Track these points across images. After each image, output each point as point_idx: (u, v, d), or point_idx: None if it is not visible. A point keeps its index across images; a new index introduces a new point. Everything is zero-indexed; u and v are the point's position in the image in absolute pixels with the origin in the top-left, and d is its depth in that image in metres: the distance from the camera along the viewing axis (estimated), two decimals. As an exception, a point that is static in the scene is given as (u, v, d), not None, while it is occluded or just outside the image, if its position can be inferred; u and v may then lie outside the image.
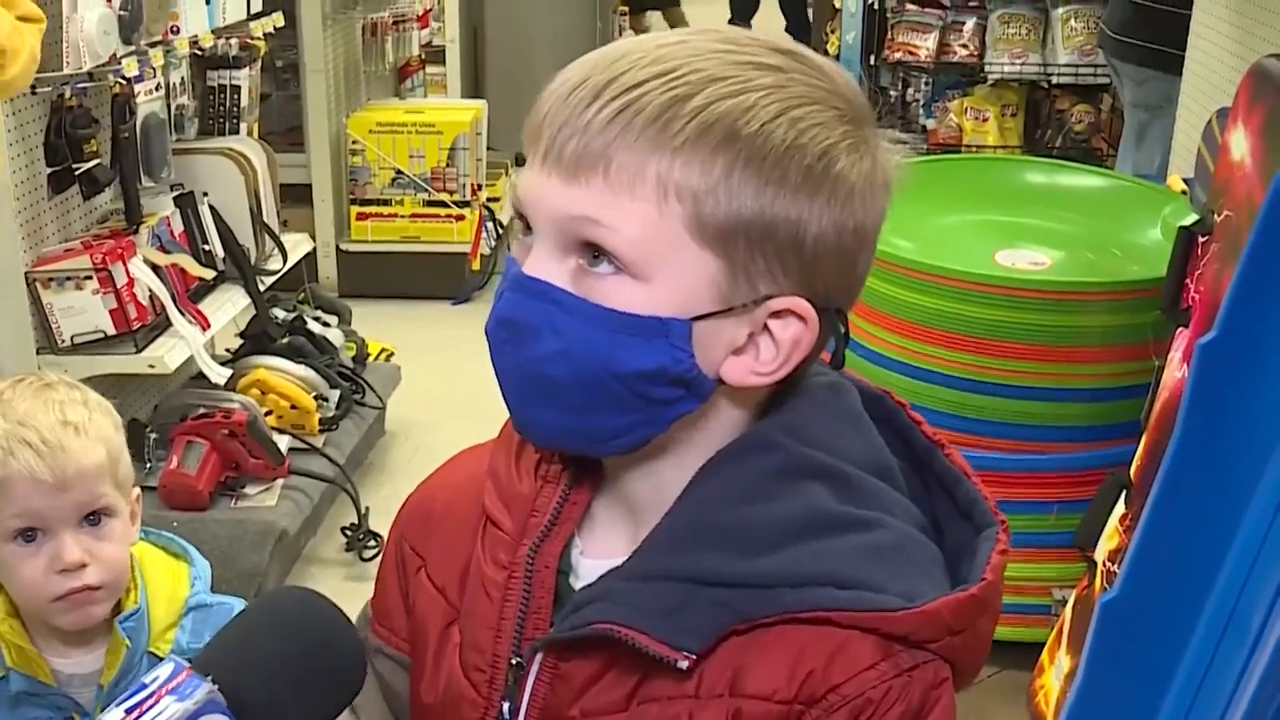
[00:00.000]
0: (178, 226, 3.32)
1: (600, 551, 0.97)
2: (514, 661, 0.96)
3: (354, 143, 5.13)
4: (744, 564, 0.90)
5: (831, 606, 0.89)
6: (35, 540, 1.44)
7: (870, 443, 0.97)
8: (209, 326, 3.26)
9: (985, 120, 5.49)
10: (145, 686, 0.94)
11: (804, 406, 0.95)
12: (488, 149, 5.56)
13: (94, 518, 1.46)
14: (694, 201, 0.85)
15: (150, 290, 3.06)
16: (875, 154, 0.91)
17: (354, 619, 1.11)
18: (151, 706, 0.92)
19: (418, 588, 1.06)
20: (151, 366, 3.02)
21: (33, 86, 2.82)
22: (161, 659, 1.46)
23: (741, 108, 0.85)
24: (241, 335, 3.79)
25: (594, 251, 0.87)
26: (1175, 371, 2.30)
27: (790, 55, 0.90)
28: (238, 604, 1.54)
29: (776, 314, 0.90)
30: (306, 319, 3.90)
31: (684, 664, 0.89)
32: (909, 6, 5.51)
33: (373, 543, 3.43)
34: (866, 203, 0.90)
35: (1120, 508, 2.42)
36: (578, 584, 0.97)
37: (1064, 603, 2.65)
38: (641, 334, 0.87)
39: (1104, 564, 2.42)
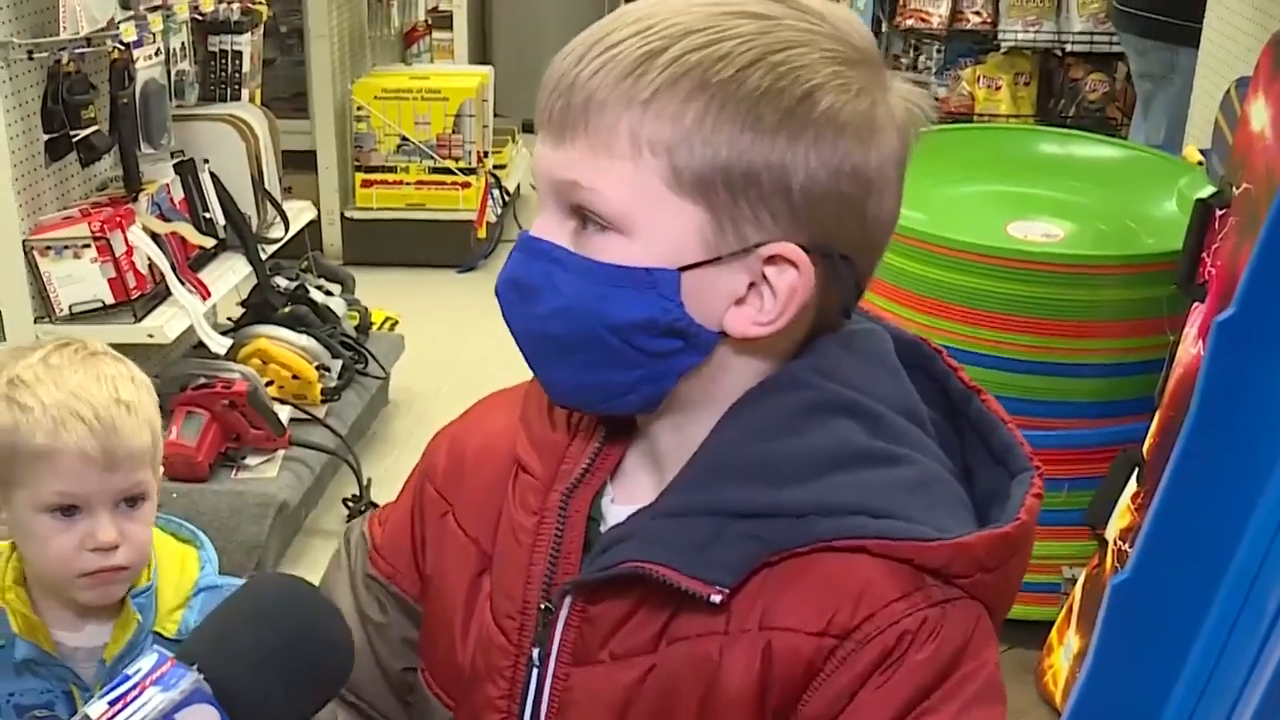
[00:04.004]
0: (178, 194, 3.28)
1: (629, 499, 0.97)
2: (543, 607, 0.96)
3: (359, 109, 5.09)
4: (774, 495, 0.90)
5: (866, 535, 0.88)
6: (72, 516, 1.42)
7: (900, 387, 0.96)
8: (209, 295, 3.23)
9: (998, 89, 5.44)
10: (128, 678, 0.92)
11: (834, 349, 0.94)
12: (494, 115, 5.52)
13: (131, 500, 1.45)
14: (667, 153, 0.86)
15: (149, 259, 3.03)
16: (876, 94, 0.89)
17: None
18: (136, 697, 0.91)
19: (442, 533, 1.06)
20: (150, 336, 2.99)
21: (29, 52, 2.79)
22: (167, 638, 1.45)
23: (714, 56, 0.86)
24: (243, 304, 3.76)
25: (583, 213, 0.89)
26: (1190, 347, 2.26)
27: (784, 3, 0.89)
28: None
29: (771, 260, 0.89)
30: (309, 288, 3.87)
31: (717, 598, 0.89)
32: (921, -27, 5.45)
33: (375, 514, 3.40)
34: (864, 143, 0.88)
35: (1132, 485, 2.39)
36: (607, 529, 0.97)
37: (1074, 581, 2.62)
38: (630, 285, 0.88)
39: (1115, 543, 2.38)
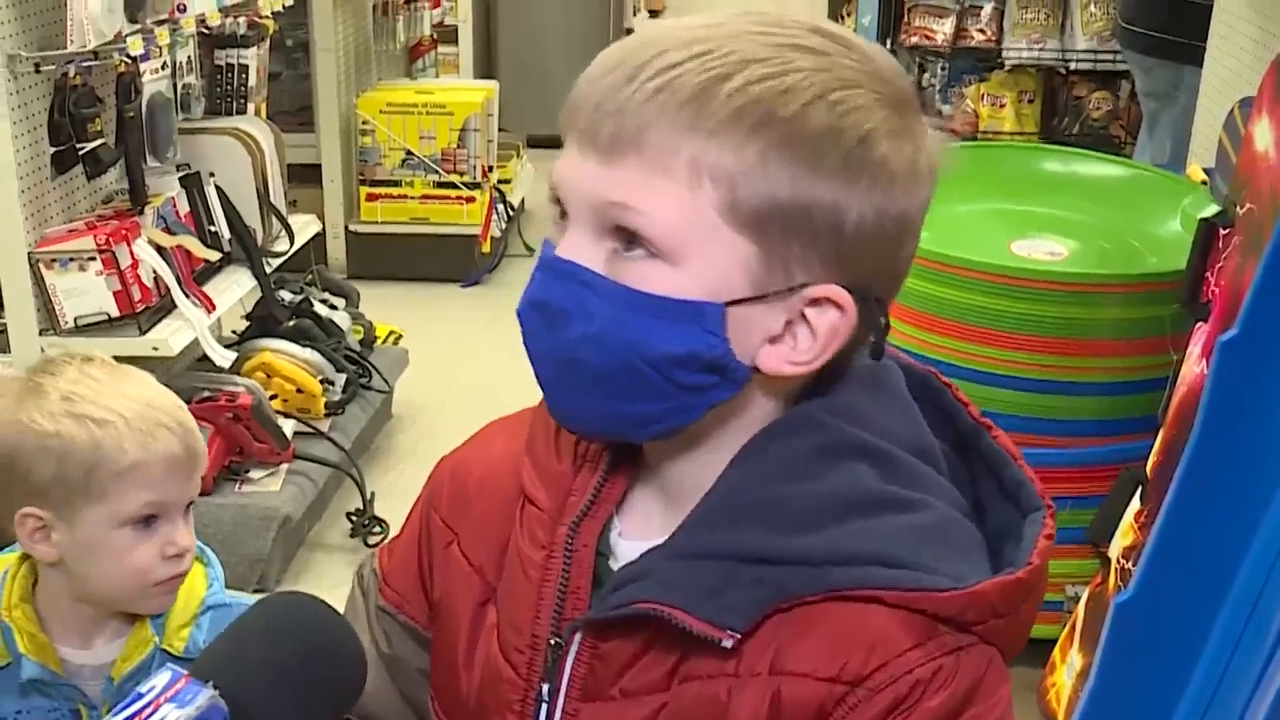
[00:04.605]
0: (183, 207, 3.29)
1: (638, 534, 0.96)
2: (553, 642, 0.95)
3: (364, 123, 5.10)
4: (788, 541, 0.89)
5: (881, 585, 0.88)
6: (151, 525, 1.42)
7: (912, 424, 0.95)
8: (214, 309, 3.24)
9: (1002, 106, 5.44)
10: (141, 695, 0.92)
11: (846, 388, 0.94)
12: (499, 130, 5.53)
13: (190, 504, 1.46)
14: (728, 185, 0.84)
15: (154, 272, 3.03)
16: (918, 140, 0.89)
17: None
18: (151, 715, 0.91)
19: (447, 562, 1.05)
20: (155, 349, 2.99)
21: (36, 65, 2.80)
22: (174, 655, 1.45)
23: (778, 90, 0.84)
24: (247, 317, 3.77)
25: (628, 237, 0.86)
26: (1194, 366, 2.26)
27: (831, 38, 0.88)
28: None
29: (814, 302, 0.88)
30: (313, 301, 3.88)
31: (728, 643, 0.88)
32: (925, -10, 5.46)
33: (378, 528, 3.41)
34: (909, 189, 0.89)
35: (1135, 504, 2.39)
36: (616, 565, 0.96)
37: (1077, 599, 2.62)
38: (674, 318, 0.86)
39: (1118, 561, 2.38)
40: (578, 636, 0.94)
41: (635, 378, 0.88)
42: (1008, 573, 0.89)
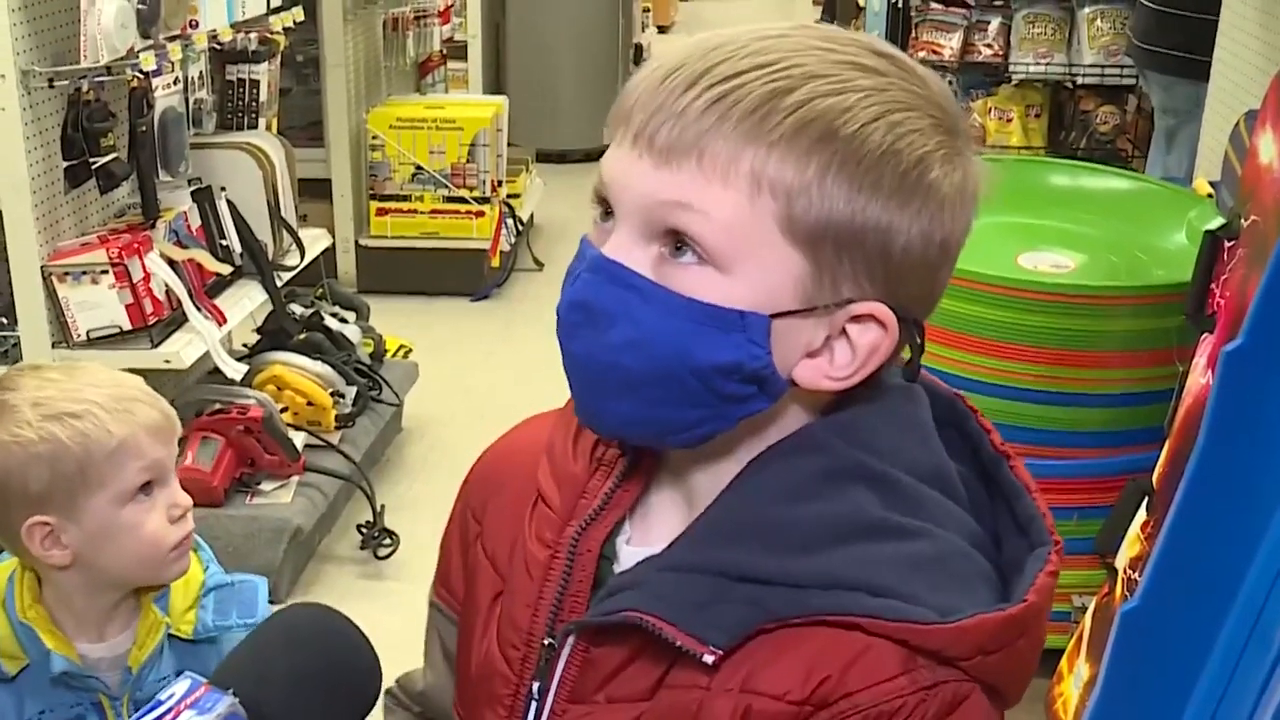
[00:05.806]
0: (195, 221, 3.31)
1: (647, 540, 0.96)
2: (547, 642, 0.95)
3: (374, 138, 5.13)
4: (777, 562, 0.89)
5: (861, 613, 0.87)
6: (151, 493, 1.46)
7: (929, 449, 0.94)
8: (225, 322, 3.26)
9: (1009, 121, 5.45)
10: (162, 703, 0.94)
11: (863, 409, 0.93)
12: (508, 145, 5.55)
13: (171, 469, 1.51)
14: (786, 199, 0.84)
15: (167, 285, 3.05)
16: (966, 166, 0.90)
17: (372, 627, 1.12)
18: None
19: (476, 554, 1.06)
20: (167, 362, 3.01)
21: (50, 80, 2.83)
22: (185, 640, 1.49)
23: (840, 107, 0.84)
24: (258, 331, 3.79)
25: (678, 240, 0.86)
26: (1199, 377, 2.27)
27: (889, 59, 0.89)
28: (260, 581, 1.57)
29: (856, 318, 0.88)
30: (324, 315, 3.90)
31: (710, 659, 0.88)
32: (933, 5, 5.48)
33: (388, 540, 3.42)
34: (956, 215, 0.89)
35: (1141, 515, 2.39)
36: (618, 571, 0.96)
37: (1084, 609, 2.62)
38: (720, 326, 0.86)
39: (1125, 571, 2.39)
40: (570, 639, 0.94)
41: (675, 385, 0.87)
42: (999, 609, 0.88)
